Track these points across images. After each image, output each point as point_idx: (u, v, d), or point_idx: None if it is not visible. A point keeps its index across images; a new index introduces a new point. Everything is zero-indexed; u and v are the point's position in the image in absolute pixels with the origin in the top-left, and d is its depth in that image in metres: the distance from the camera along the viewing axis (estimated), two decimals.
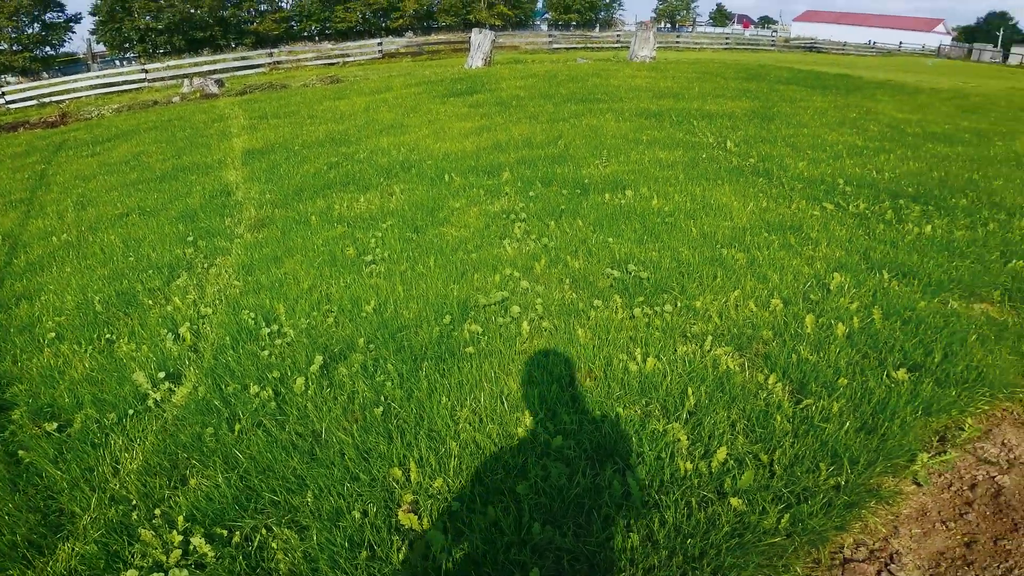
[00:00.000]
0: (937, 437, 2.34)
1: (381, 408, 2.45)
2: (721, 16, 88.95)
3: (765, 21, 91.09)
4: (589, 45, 29.20)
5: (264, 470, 2.20)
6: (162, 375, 2.85)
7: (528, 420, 2.33)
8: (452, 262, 3.80)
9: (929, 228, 4.13)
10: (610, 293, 3.31)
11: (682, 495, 1.97)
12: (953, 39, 64.70)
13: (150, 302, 3.73)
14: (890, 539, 1.94)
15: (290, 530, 1.96)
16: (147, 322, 3.45)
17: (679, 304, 3.15)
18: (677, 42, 33.09)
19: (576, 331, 2.91)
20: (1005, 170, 6.09)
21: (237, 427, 2.43)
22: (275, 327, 3.16)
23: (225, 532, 1.97)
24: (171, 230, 5.08)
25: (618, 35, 32.35)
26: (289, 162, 7.04)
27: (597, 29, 54.24)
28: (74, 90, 20.48)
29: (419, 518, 1.94)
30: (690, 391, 2.42)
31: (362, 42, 28.89)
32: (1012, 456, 2.29)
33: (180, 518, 2.01)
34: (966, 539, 1.95)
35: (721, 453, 2.10)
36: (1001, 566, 1.84)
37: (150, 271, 4.20)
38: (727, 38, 37.25)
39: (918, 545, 1.93)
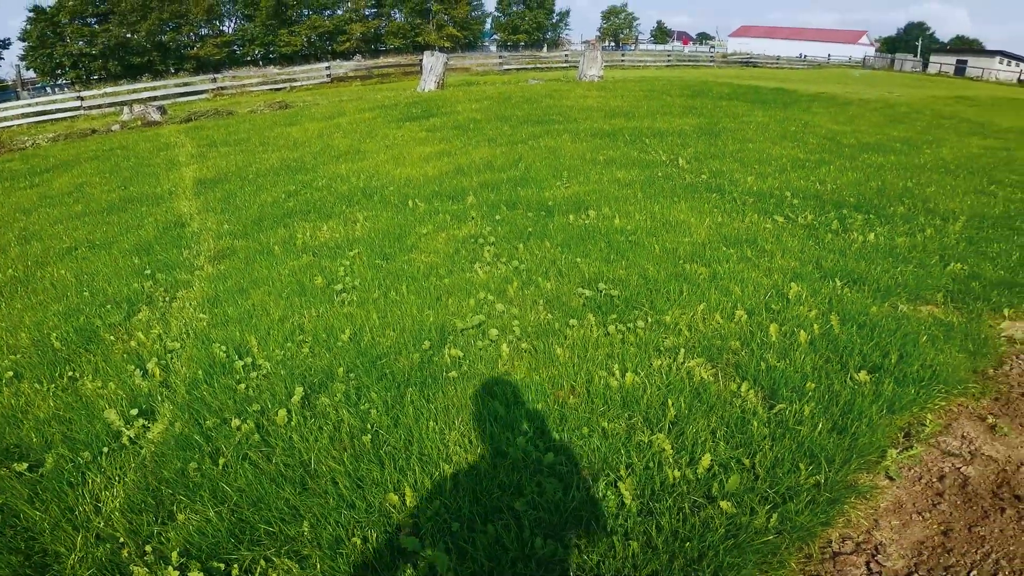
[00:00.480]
0: (903, 433, 2.51)
1: (369, 436, 2.46)
2: (662, 34, 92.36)
3: (703, 37, 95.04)
4: (539, 65, 29.80)
5: (255, 502, 2.18)
6: (134, 412, 2.78)
7: (519, 439, 2.38)
8: (425, 288, 3.83)
9: (872, 236, 4.42)
10: (584, 312, 3.40)
11: (674, 501, 2.06)
12: (876, 50, 69.09)
13: (112, 338, 3.61)
14: (873, 531, 2.07)
15: (291, 560, 1.95)
16: (111, 358, 3.35)
17: (650, 319, 3.27)
18: (622, 60, 34.15)
19: (555, 350, 2.99)
20: (936, 177, 6.56)
21: (221, 461, 2.40)
22: (249, 360, 3.13)
23: (222, 565, 1.95)
24: (126, 263, 4.92)
25: (566, 55, 33.17)
26: (245, 191, 6.91)
27: (545, 49, 55.47)
28: (4, 119, 19.50)
29: (421, 541, 1.96)
30: (670, 402, 2.52)
31: (309, 66, 28.66)
32: (973, 448, 2.46)
33: (174, 554, 1.98)
34: (942, 528, 2.09)
35: (706, 460, 2.20)
36: (979, 551, 1.98)
37: (108, 306, 4.06)
38: (668, 55, 38.64)
39: (899, 536, 2.06)
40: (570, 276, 3.86)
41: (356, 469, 2.29)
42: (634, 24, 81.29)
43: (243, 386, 2.89)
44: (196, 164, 8.95)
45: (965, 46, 76.78)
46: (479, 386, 2.75)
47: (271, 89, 24.12)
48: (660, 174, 6.42)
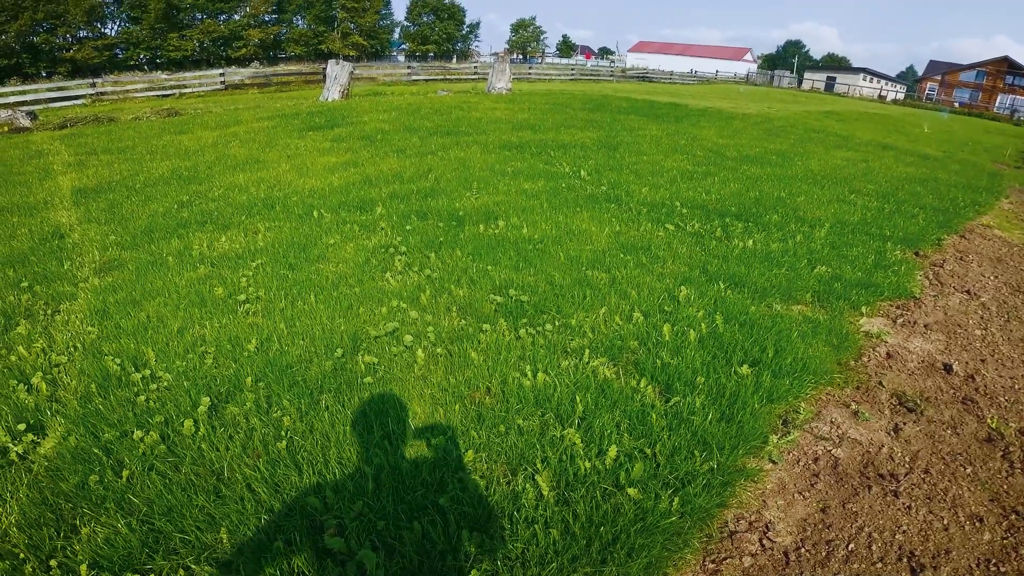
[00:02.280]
0: (781, 421, 2.81)
1: (285, 442, 2.45)
2: (567, 47, 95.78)
3: (604, 52, 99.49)
4: (448, 77, 29.87)
5: (167, 511, 2.14)
6: (22, 427, 2.61)
7: (438, 439, 2.46)
8: (335, 297, 3.80)
9: (751, 242, 4.88)
10: (496, 317, 3.52)
11: (587, 491, 2.21)
12: (758, 67, 75.39)
13: None
14: (762, 511, 2.31)
15: (211, 567, 1.92)
16: None
17: (558, 323, 3.44)
18: (529, 74, 34.98)
19: (470, 354, 3.09)
20: (804, 187, 7.32)
21: (125, 473, 2.32)
22: (147, 372, 3.00)
23: None
24: None
25: (475, 66, 33.48)
26: (131, 201, 6.47)
27: (455, 60, 55.76)
28: None
29: (346, 541, 1.99)
30: (578, 399, 2.69)
31: (201, 72, 26.97)
32: (841, 432, 2.80)
33: (83, 567, 1.91)
34: (821, 505, 2.36)
35: (612, 451, 2.38)
36: (853, 525, 2.26)
37: None
38: (572, 69, 40.04)
39: (785, 514, 2.31)
40: (482, 283, 3.97)
41: (273, 475, 2.27)
42: (541, 38, 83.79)
43: (143, 398, 2.79)
44: (74, 173, 8.23)
45: (834, 63, 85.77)
46: (396, 390, 2.80)
47: (159, 95, 22.50)
48: (564, 185, 6.72)
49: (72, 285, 4.28)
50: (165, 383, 2.90)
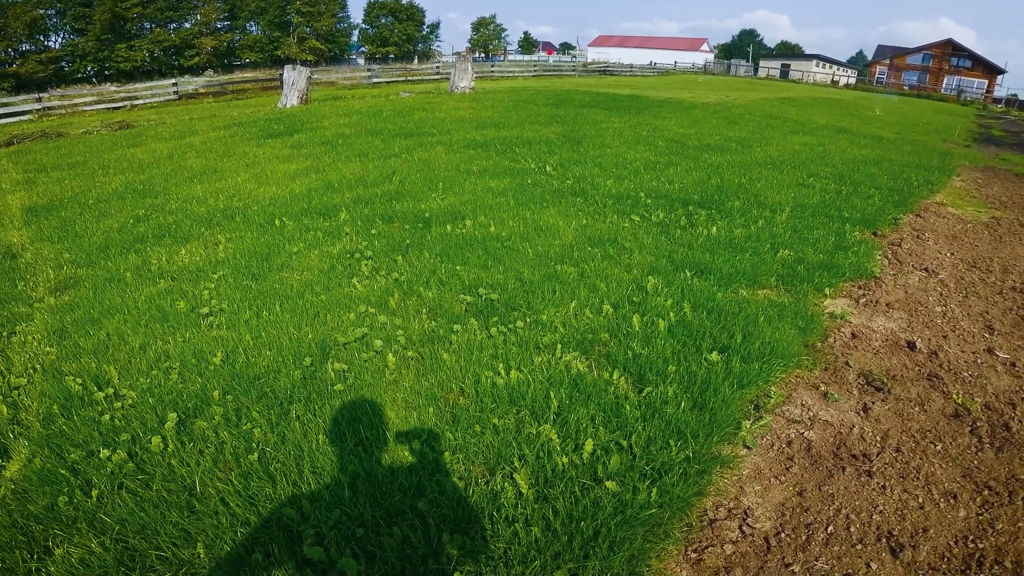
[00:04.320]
0: (753, 406, 2.83)
1: (256, 454, 2.40)
2: (528, 44, 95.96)
3: (565, 47, 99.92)
4: (410, 78, 29.61)
5: (141, 529, 2.09)
6: None
7: (413, 443, 2.43)
8: (300, 306, 3.73)
9: (715, 229, 4.95)
10: (467, 317, 3.49)
11: (566, 486, 2.20)
12: (715, 56, 76.67)
13: None
14: (740, 497, 2.32)
15: None
16: None
17: (529, 319, 3.43)
18: (492, 71, 34.92)
19: (442, 356, 3.05)
20: (764, 173, 7.46)
21: (95, 492, 2.26)
22: (110, 390, 2.92)
23: None
24: None
25: (437, 67, 33.24)
26: (85, 218, 6.26)
27: (416, 61, 55.29)
28: None
29: (326, 550, 1.95)
30: (552, 395, 2.68)
31: (153, 83, 26.19)
32: (812, 415, 2.83)
33: None
34: (797, 489, 2.38)
35: (589, 444, 2.38)
36: (831, 508, 2.28)
37: None
38: (535, 65, 40.10)
39: (763, 500, 2.32)
40: (451, 284, 3.93)
41: (246, 488, 2.23)
42: (503, 35, 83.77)
43: (107, 417, 2.72)
44: (23, 191, 7.92)
45: (788, 50, 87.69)
46: (368, 396, 2.76)
47: (109, 108, 21.79)
48: (530, 181, 6.71)
49: (27, 306, 4.16)
50: (130, 401, 2.84)
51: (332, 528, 2.04)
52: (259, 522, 2.09)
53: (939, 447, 2.62)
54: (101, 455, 2.45)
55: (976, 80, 53.47)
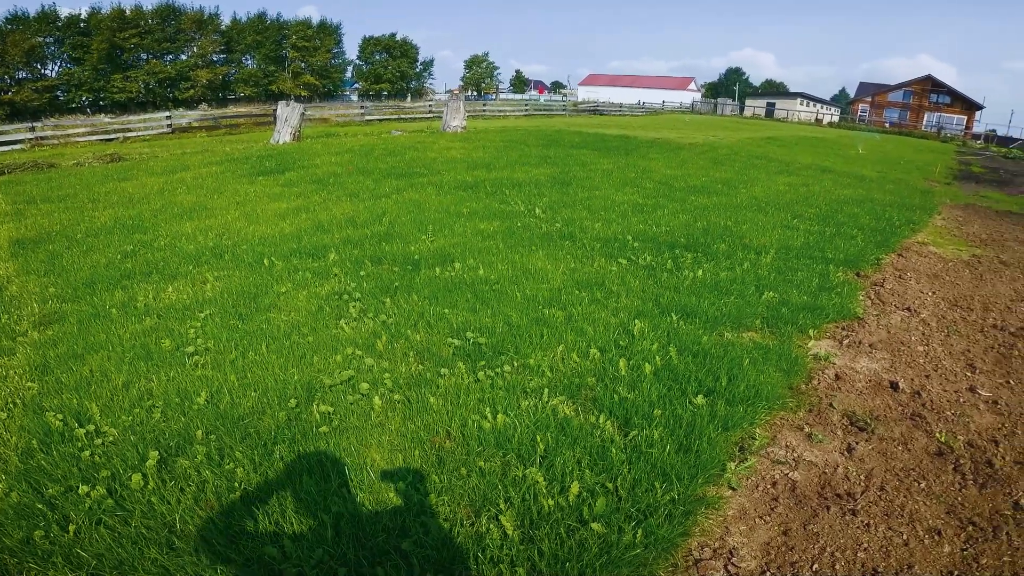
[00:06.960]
0: (738, 448, 2.86)
1: (239, 493, 2.39)
2: (520, 83, 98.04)
3: (556, 86, 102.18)
4: (402, 116, 30.08)
5: (118, 564, 2.08)
6: None
7: (399, 484, 2.43)
8: (287, 347, 3.72)
9: (701, 272, 5.03)
10: (454, 361, 3.50)
11: (552, 528, 2.21)
12: (702, 95, 78.70)
13: None
14: (725, 537, 2.32)
15: None
16: None
17: (516, 363, 3.44)
18: (484, 110, 35.61)
19: (428, 399, 3.06)
20: (750, 215, 7.61)
21: (72, 527, 2.24)
22: (91, 427, 2.90)
23: None
24: None
25: (430, 105, 33.86)
26: (72, 252, 6.24)
27: (409, 99, 56.28)
28: None
29: None
30: (539, 439, 2.69)
31: (147, 115, 26.45)
32: (796, 455, 2.86)
33: None
34: (782, 528, 2.39)
35: (575, 487, 2.39)
36: (815, 546, 2.29)
37: None
38: (526, 104, 41.00)
39: (748, 539, 2.33)
40: (439, 327, 3.95)
41: (228, 526, 2.22)
42: (495, 73, 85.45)
43: (87, 453, 2.70)
44: (12, 222, 7.90)
45: (773, 88, 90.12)
46: (354, 438, 2.76)
47: (102, 140, 21.93)
48: (519, 224, 6.80)
49: (10, 339, 4.13)
50: (111, 438, 2.83)
51: (314, 567, 2.03)
52: (240, 560, 2.08)
53: (923, 485, 2.65)
54: (80, 491, 2.44)
55: (955, 116, 55.21)
